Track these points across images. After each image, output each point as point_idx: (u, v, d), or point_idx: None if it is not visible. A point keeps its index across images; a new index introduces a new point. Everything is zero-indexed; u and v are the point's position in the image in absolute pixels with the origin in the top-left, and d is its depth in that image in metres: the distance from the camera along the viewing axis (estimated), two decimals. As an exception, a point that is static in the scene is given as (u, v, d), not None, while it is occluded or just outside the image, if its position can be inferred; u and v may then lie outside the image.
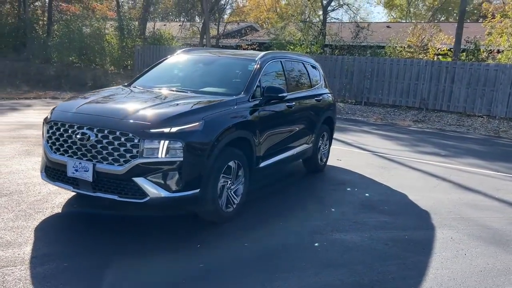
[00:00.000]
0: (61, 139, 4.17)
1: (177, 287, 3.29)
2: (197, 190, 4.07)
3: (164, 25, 30.81)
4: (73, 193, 4.88)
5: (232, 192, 4.60)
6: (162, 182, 3.91)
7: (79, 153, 4.05)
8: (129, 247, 3.91)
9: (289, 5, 30.48)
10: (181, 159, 3.91)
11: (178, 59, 6.06)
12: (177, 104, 4.44)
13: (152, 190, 3.88)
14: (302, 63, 6.70)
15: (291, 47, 21.33)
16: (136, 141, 3.86)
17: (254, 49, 23.62)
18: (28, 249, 3.68)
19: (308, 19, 25.24)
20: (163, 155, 3.87)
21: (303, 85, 6.55)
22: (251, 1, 39.62)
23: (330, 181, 6.69)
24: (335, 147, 8.50)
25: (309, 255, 3.98)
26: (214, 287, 3.32)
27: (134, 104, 4.48)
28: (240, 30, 30.79)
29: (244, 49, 23.43)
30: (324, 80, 7.37)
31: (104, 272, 3.40)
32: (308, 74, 6.74)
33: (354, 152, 9.16)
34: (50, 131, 4.27)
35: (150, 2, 28.64)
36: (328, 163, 7.51)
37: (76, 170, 4.03)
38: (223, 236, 4.26)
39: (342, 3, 25.51)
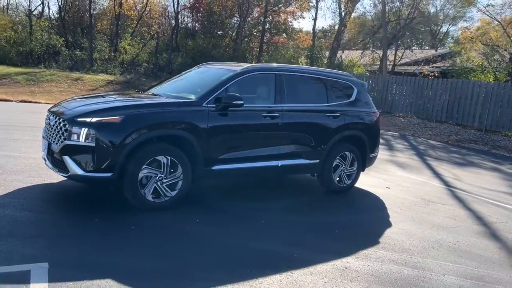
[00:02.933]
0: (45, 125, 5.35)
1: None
2: (110, 174, 4.66)
3: (342, 52, 31.33)
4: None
5: (164, 185, 4.99)
6: (80, 162, 4.67)
7: (46, 135, 5.15)
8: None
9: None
10: (94, 144, 4.58)
11: (189, 71, 6.75)
12: (116, 102, 5.16)
13: (72, 167, 4.67)
14: (318, 78, 6.49)
15: (471, 74, 19.15)
16: (67, 126, 4.71)
17: (434, 76, 21.94)
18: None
19: (492, 43, 22.03)
20: (83, 140, 4.62)
21: (311, 99, 6.33)
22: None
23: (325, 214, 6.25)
24: (427, 180, 7.78)
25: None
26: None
27: (94, 100, 5.39)
28: (431, 57, 28.83)
29: (426, 76, 21.99)
30: (362, 97, 6.88)
31: None
32: (326, 89, 6.47)
33: (436, 189, 8.04)
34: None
35: (341, 33, 29.50)
36: (376, 189, 7.02)
37: (43, 149, 5.13)
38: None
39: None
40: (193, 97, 5.38)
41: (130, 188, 4.79)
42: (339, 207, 6.06)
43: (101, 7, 35.95)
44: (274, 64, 6.38)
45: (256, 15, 33.01)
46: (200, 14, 32.83)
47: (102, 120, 4.69)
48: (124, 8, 32.59)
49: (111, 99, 5.59)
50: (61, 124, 4.82)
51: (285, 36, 32.99)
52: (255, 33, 32.97)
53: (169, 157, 4.98)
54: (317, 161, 6.30)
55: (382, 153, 10.65)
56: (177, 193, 5.11)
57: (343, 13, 29.34)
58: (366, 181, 7.59)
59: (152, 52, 30.77)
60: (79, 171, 4.65)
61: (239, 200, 5.81)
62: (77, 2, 32.55)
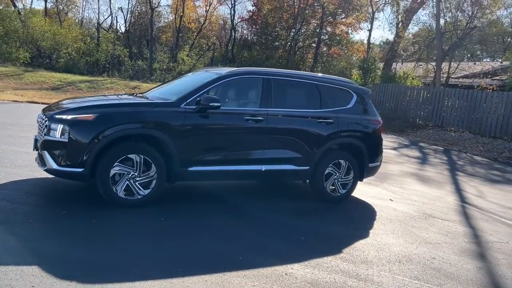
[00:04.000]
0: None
1: None
2: (81, 170, 4.85)
3: (396, 63, 30.16)
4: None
5: (137, 183, 5.11)
6: (56, 157, 4.91)
7: (37, 133, 5.48)
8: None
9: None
10: (67, 140, 4.80)
11: (185, 75, 6.88)
12: (96, 101, 5.36)
13: (49, 161, 4.93)
14: (311, 83, 6.32)
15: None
16: (47, 123, 4.99)
17: (492, 89, 20.56)
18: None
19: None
20: (59, 136, 4.87)
21: (301, 105, 6.20)
22: None
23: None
24: (443, 195, 7.36)
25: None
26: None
27: (83, 99, 5.67)
28: (491, 69, 27.05)
29: (483, 89, 20.67)
30: (361, 104, 6.63)
31: None
32: (320, 95, 6.29)
33: (449, 205, 7.53)
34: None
35: (396, 44, 28.58)
36: (376, 200, 6.77)
37: (33, 148, 5.46)
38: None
39: None
40: (172, 99, 5.47)
41: (102, 184, 4.95)
42: (324, 214, 5.84)
43: (166, 21, 37.68)
44: (264, 68, 6.34)
45: (312, 26, 32.89)
46: (257, 26, 33.31)
47: (77, 117, 4.91)
48: (186, 21, 33.95)
49: (98, 98, 5.84)
50: (44, 121, 5.10)
51: (340, 47, 32.57)
52: (309, 44, 32.85)
53: (142, 156, 5.08)
54: (307, 167, 6.13)
55: (409, 166, 10.17)
56: (151, 192, 5.19)
57: (399, 24, 28.41)
58: (371, 192, 7.28)
59: (208, 63, 31.63)
60: (54, 165, 4.89)
61: (217, 202, 5.79)
62: (143, 16, 34.33)
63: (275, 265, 3.98)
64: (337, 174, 6.37)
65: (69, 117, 4.91)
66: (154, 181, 5.19)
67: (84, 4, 37.42)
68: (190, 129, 5.33)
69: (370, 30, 30.88)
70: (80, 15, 38.42)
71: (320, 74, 6.90)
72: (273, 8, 31.64)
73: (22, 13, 30.22)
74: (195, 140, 5.38)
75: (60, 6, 38.20)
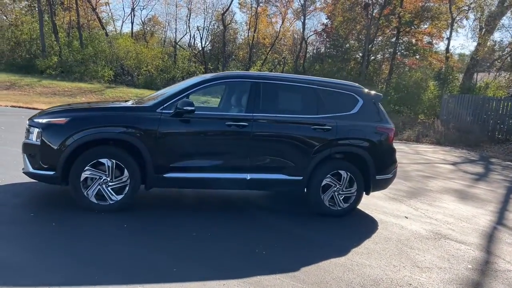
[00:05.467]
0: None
1: None
2: (52, 173, 4.88)
3: (477, 73, 27.42)
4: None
5: (109, 189, 5.03)
6: (31, 159, 5.00)
7: None
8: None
9: None
10: (39, 143, 4.88)
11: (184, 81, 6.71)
12: (77, 106, 5.41)
13: (27, 164, 5.05)
14: (308, 87, 5.83)
15: None
16: (27, 127, 5.13)
17: None
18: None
19: None
20: (35, 139, 4.97)
21: (294, 110, 5.74)
22: None
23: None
24: (479, 215, 6.52)
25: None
26: None
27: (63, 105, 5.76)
28: None
29: None
30: (368, 110, 5.99)
31: None
32: (317, 100, 5.79)
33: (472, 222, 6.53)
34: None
35: (478, 53, 26.25)
36: (387, 216, 6.10)
37: None
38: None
39: None
40: (152, 103, 5.34)
41: (73, 188, 4.94)
42: (312, 223, 5.27)
43: (243, 38, 38.51)
44: (256, 72, 6.00)
45: (387, 36, 31.46)
46: (329, 39, 32.68)
47: (50, 121, 4.97)
48: (260, 37, 34.38)
49: (88, 104, 5.90)
50: (26, 125, 5.25)
51: (417, 57, 30.71)
52: (384, 55, 31.42)
53: (113, 161, 5.00)
54: (300, 178, 5.64)
55: (456, 183, 9.11)
56: (124, 197, 5.08)
57: (483, 31, 26.09)
58: (389, 207, 6.54)
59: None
60: (30, 168, 4.99)
61: (192, 210, 5.51)
62: (218, 34, 35.43)
63: (208, 279, 3.61)
64: (337, 186, 5.78)
65: (44, 120, 4.99)
66: (127, 187, 5.07)
67: (166, 25, 39.38)
68: (166, 134, 5.15)
69: (449, 39, 28.50)
70: (164, 35, 40.65)
71: (317, 77, 6.36)
72: (345, 20, 30.82)
73: (109, 34, 32.70)
74: (171, 145, 5.20)
75: (147, 28, 40.87)
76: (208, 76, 5.69)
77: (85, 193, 4.96)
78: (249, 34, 32.71)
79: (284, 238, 4.81)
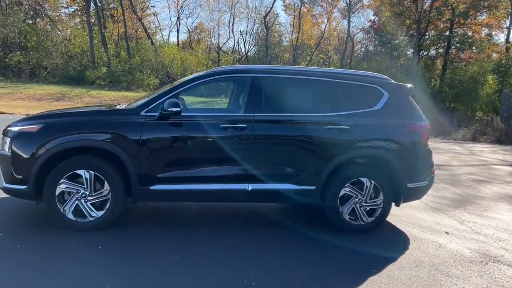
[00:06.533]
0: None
1: None
2: (24, 187, 4.31)
3: None
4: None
5: (88, 204, 4.39)
6: (4, 172, 4.46)
7: None
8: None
9: None
10: (10, 154, 4.33)
11: None
12: (52, 111, 4.81)
13: (1, 178, 4.50)
14: (321, 80, 4.90)
15: None
16: (2, 135, 4.61)
17: None
18: None
19: None
20: (7, 150, 4.43)
21: (304, 108, 4.84)
22: None
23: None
24: None
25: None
26: None
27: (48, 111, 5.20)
28: None
29: None
30: (396, 105, 4.97)
31: None
32: (332, 94, 4.85)
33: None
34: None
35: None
36: (423, 232, 5.10)
37: None
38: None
39: None
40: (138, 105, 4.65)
41: (48, 204, 4.34)
42: (320, 246, 4.33)
43: (287, 40, 37.67)
44: (258, 65, 5.13)
45: (439, 30, 29.36)
46: (375, 36, 31.06)
47: (21, 129, 4.41)
48: (305, 38, 33.40)
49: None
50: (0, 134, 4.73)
51: (474, 50, 28.36)
52: (437, 50, 29.34)
53: (92, 172, 4.35)
54: (313, 187, 4.72)
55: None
56: (106, 213, 4.42)
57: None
58: (427, 220, 5.50)
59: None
60: (3, 182, 4.44)
61: (177, 229, 4.74)
62: (262, 37, 34.80)
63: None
64: (359, 197, 4.80)
65: (16, 129, 4.43)
66: (109, 201, 4.40)
67: (211, 31, 39.37)
68: (151, 140, 4.43)
69: (509, 28, 26.00)
70: (209, 41, 40.68)
71: (332, 69, 5.40)
72: (393, 15, 29.07)
73: (155, 43, 33.05)
74: (157, 153, 4.47)
75: (194, 36, 41.11)
76: (202, 72, 4.93)
77: (61, 209, 4.34)
78: (293, 35, 31.77)
79: (285, 264, 3.91)
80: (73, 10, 37.49)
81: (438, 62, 30.70)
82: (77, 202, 4.37)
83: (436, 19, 28.32)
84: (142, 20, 34.03)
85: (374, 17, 32.19)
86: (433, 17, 28.02)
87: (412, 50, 29.25)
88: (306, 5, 34.39)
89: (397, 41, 29.77)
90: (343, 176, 4.76)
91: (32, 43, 30.61)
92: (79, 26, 35.53)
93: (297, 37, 31.15)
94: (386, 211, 4.89)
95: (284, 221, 5.21)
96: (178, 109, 4.34)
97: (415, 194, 5.04)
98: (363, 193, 4.80)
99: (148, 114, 4.47)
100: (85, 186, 4.35)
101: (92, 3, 31.60)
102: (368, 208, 4.84)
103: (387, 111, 4.92)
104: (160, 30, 40.52)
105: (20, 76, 29.38)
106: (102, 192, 4.39)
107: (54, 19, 34.85)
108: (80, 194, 4.36)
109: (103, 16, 33.63)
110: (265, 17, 31.39)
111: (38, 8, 34.43)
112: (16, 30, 30.32)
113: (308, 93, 4.95)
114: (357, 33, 32.24)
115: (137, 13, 32.99)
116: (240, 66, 4.94)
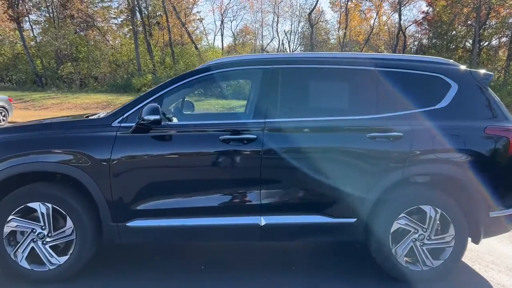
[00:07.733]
0: None
1: None
2: (-36, 226, 3.25)
3: None
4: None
5: (46, 246, 3.27)
6: None
7: None
8: None
9: None
10: (-52, 183, 3.28)
11: None
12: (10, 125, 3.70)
13: None
14: (362, 70, 3.48)
15: None
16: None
17: None
18: None
19: None
20: None
21: (338, 109, 3.43)
22: None
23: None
24: None
25: None
26: None
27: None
28: None
29: None
30: (469, 100, 3.46)
31: None
32: (378, 88, 3.43)
33: None
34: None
35: None
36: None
37: None
38: None
39: None
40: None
41: (-9, 246, 3.25)
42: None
43: (334, 38, 35.92)
44: (270, 54, 3.78)
45: (500, 18, 26.45)
46: (429, 28, 28.61)
47: (-36, 150, 3.33)
48: (352, 34, 31.54)
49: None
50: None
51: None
52: (499, 40, 26.47)
53: (49, 205, 3.22)
54: (352, 220, 3.32)
55: None
56: (70, 258, 3.27)
57: None
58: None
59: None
60: None
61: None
62: (307, 36, 33.26)
63: None
64: (419, 232, 3.34)
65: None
66: (74, 243, 3.24)
67: (256, 33, 38.31)
68: (125, 159, 3.23)
69: None
70: (254, 43, 39.68)
71: (382, 54, 3.96)
72: (449, 4, 26.53)
73: (199, 48, 32.46)
74: (135, 177, 3.25)
75: (239, 39, 40.32)
76: (198, 67, 3.67)
77: (11, 255, 3.24)
78: (340, 32, 29.99)
79: None
80: (121, 20, 37.87)
81: (501, 52, 27.79)
82: (32, 244, 3.25)
83: (498, 5, 25.45)
84: (186, 25, 33.54)
85: (428, 7, 29.69)
86: (494, 3, 25.23)
87: (471, 41, 26.55)
88: (353, 1, 32.45)
89: (453, 32, 27.16)
90: (396, 203, 3.31)
91: (83, 53, 30.98)
92: (127, 35, 35.77)
93: (345, 33, 29.31)
94: (459, 251, 3.38)
95: (311, 264, 3.83)
96: (157, 117, 3.10)
97: (501, 226, 3.48)
98: (426, 226, 3.34)
99: (122, 125, 3.28)
100: (42, 224, 3.23)
101: (137, 12, 31.51)
102: (432, 248, 3.36)
103: (457, 109, 3.42)
104: (205, 34, 40.02)
105: (71, 87, 29.76)
106: (64, 232, 3.25)
107: (104, 30, 35.22)
108: (36, 234, 3.24)
109: (149, 24, 33.52)
110: (309, 14, 29.82)
111: (89, 20, 34.92)
112: (68, 42, 30.78)
113: (345, 88, 3.51)
114: (409, 26, 29.87)
115: (180, 19, 32.53)
116: (247, 56, 3.62)
